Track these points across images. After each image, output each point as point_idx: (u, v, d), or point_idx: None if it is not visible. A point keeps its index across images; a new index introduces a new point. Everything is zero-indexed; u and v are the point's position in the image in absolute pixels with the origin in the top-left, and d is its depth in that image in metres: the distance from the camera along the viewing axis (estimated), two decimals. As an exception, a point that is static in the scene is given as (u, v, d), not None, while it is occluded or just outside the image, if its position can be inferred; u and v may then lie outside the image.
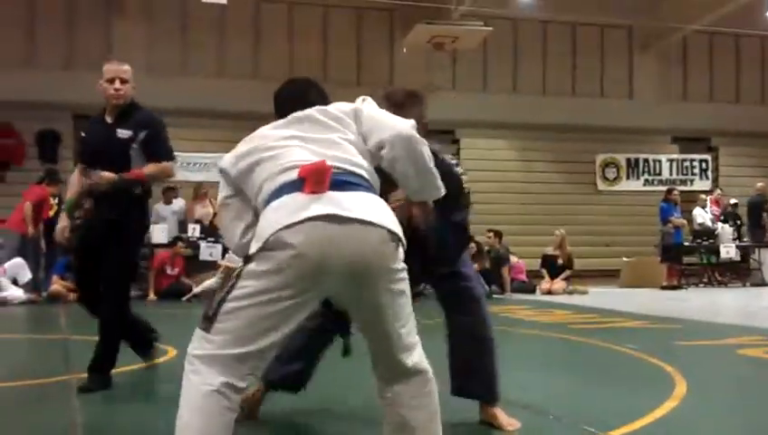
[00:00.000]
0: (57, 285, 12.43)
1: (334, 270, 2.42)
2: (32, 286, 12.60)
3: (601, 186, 20.92)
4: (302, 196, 2.44)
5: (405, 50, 19.18)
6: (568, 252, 15.20)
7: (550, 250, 15.36)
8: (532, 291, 14.75)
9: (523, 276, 15.09)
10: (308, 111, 2.73)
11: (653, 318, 9.43)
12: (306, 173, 2.47)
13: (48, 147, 17.17)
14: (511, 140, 20.52)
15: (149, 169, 4.77)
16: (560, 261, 15.02)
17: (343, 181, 2.50)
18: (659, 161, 21.27)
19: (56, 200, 13.79)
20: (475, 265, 13.30)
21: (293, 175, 2.50)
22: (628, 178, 21.02)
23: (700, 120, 21.15)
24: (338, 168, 2.52)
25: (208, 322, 2.43)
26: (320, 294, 2.53)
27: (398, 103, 3.41)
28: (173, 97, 17.49)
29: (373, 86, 19.60)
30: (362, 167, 2.60)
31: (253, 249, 2.44)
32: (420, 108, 3.51)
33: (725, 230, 17.21)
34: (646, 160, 21.21)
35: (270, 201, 2.51)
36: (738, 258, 17.19)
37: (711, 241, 16.94)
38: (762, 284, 16.80)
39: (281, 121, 2.76)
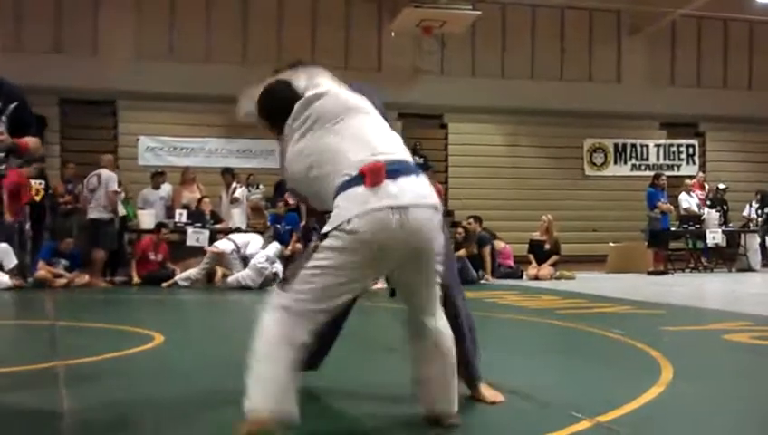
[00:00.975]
0: (43, 270, 12.38)
1: (393, 253, 2.98)
2: (18, 272, 12.54)
3: (589, 171, 20.95)
4: (363, 189, 2.95)
5: (393, 33, 19.13)
6: (555, 237, 15.21)
7: (537, 235, 15.36)
8: (520, 276, 14.77)
9: (511, 262, 15.10)
10: (352, 103, 3.27)
11: (639, 303, 9.46)
12: (366, 171, 2.98)
13: (34, 131, 17.02)
14: (499, 124, 20.50)
15: (32, 141, 4.40)
16: (547, 246, 15.03)
17: (394, 170, 3.02)
18: (647, 146, 21.32)
19: (42, 184, 13.73)
20: (463, 251, 13.45)
21: (354, 171, 2.99)
22: (615, 163, 21.07)
23: (688, 105, 21.19)
24: (389, 159, 3.04)
25: (285, 282, 2.99)
26: (379, 272, 3.13)
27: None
28: (161, 82, 17.42)
29: (361, 70, 19.59)
30: (404, 150, 3.20)
31: (328, 228, 2.94)
32: None
33: (712, 216, 17.27)
34: (633, 146, 21.25)
35: (339, 192, 3.00)
36: (724, 244, 17.25)
37: (697, 226, 16.99)
38: (748, 269, 16.88)
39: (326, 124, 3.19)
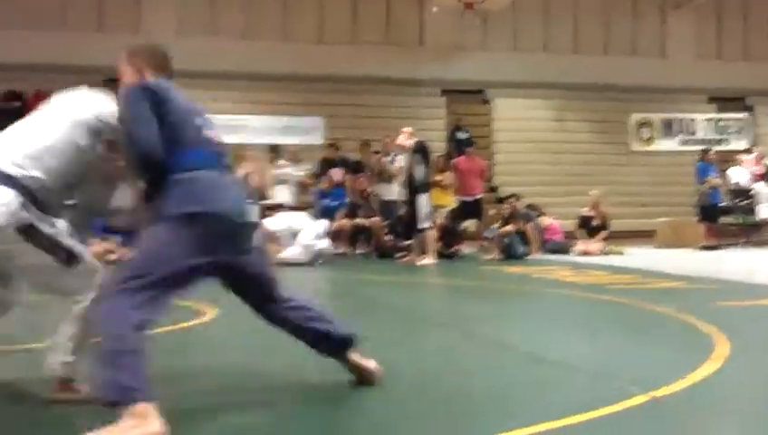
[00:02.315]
0: (97, 246, 12.49)
1: None
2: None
3: (635, 146, 20.72)
4: None
5: (435, 9, 19.00)
6: (603, 212, 15.04)
7: (585, 211, 15.22)
8: (567, 252, 14.62)
9: (559, 237, 14.94)
10: None
11: (691, 278, 9.30)
12: None
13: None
14: (542, 99, 20.34)
15: None
16: (595, 222, 14.88)
17: None
18: (694, 121, 21.02)
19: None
20: (511, 226, 13.39)
21: None
22: (663, 137, 20.82)
23: (735, 78, 20.83)
24: None
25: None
26: None
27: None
28: (204, 60, 17.46)
29: (403, 45, 19.50)
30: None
31: None
32: None
33: (764, 190, 16.93)
34: (681, 120, 20.97)
35: None
36: (775, 219, 16.92)
37: (747, 201, 16.70)
38: (798, 244, 16.57)
39: None
